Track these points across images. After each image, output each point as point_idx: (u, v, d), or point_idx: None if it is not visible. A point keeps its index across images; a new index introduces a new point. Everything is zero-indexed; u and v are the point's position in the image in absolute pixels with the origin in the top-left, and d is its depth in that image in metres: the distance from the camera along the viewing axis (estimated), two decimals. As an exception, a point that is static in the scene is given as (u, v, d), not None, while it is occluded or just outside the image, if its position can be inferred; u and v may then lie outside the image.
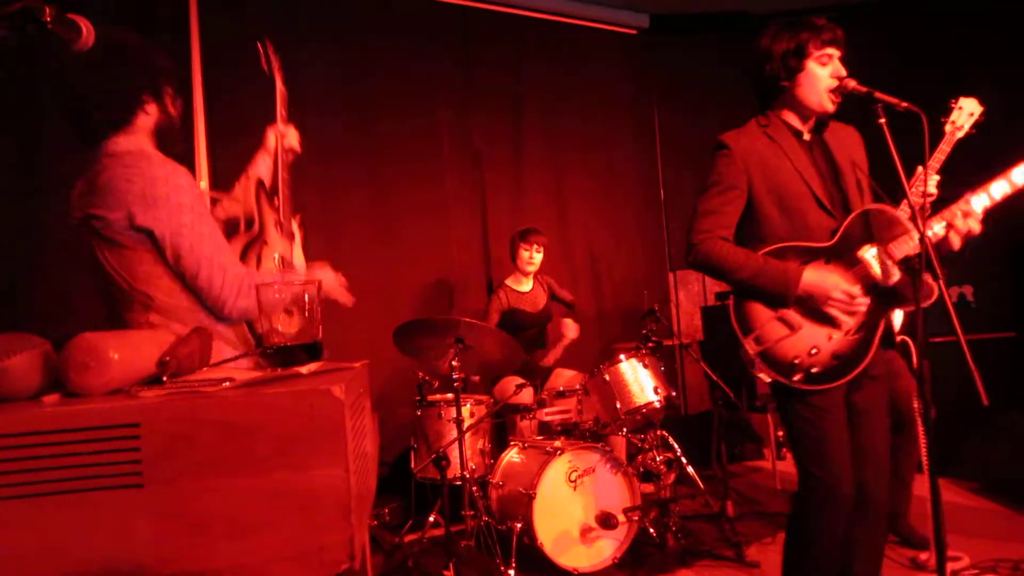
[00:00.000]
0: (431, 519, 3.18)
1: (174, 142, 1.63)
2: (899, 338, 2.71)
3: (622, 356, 3.06)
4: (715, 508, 3.34)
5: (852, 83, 1.96)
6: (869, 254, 1.92)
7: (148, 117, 1.57)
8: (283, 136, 2.01)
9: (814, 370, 1.88)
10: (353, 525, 0.94)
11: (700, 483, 3.46)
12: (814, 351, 1.89)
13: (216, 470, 0.92)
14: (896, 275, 1.91)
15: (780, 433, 4.22)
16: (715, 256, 1.94)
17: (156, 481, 0.91)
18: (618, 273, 4.85)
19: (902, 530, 2.83)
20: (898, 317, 2.74)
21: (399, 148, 4.12)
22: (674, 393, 3.06)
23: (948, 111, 2.42)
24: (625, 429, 3.19)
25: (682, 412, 4.32)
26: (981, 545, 2.75)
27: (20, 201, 3.06)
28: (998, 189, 2.01)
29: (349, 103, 4.02)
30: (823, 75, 1.94)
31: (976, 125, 2.39)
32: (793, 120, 2.03)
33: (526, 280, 3.91)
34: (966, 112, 2.40)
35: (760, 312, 1.93)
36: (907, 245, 1.90)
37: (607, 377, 3.03)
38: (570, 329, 3.82)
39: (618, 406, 2.98)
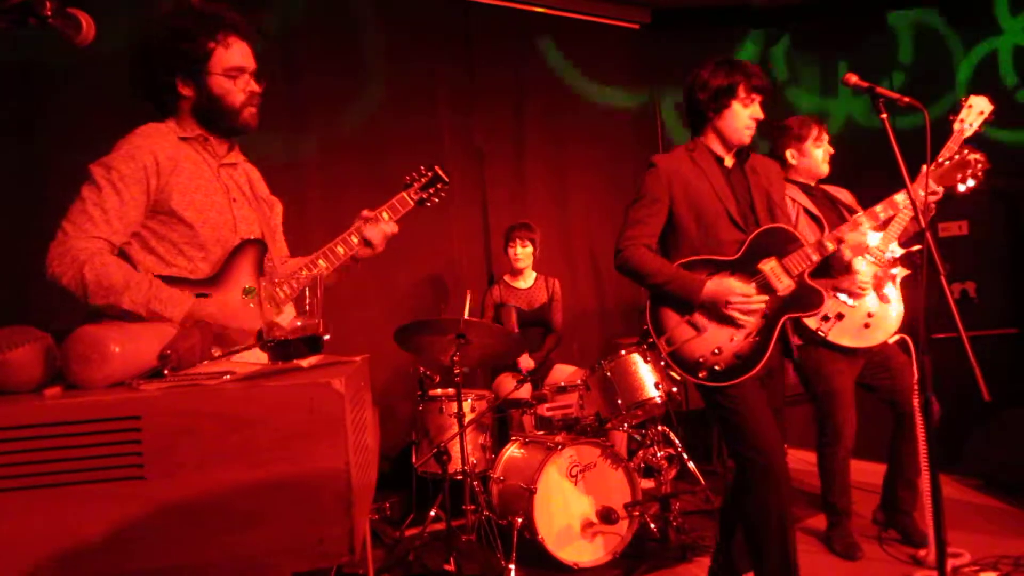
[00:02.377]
0: (432, 513, 3.19)
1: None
2: (898, 336, 2.72)
3: (623, 351, 3.06)
4: (716, 503, 3.34)
5: (854, 78, 1.98)
6: (767, 266, 2.16)
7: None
8: None
9: (717, 368, 2.12)
10: (354, 517, 0.95)
11: (701, 478, 3.46)
12: (717, 351, 2.13)
13: (217, 462, 0.93)
14: (788, 285, 2.15)
15: (781, 429, 4.22)
16: (636, 262, 2.19)
17: (157, 473, 0.92)
18: (618, 268, 4.84)
19: (907, 527, 2.83)
20: (896, 312, 2.74)
21: (400, 143, 4.12)
22: (675, 388, 3.05)
23: (958, 109, 2.42)
24: (626, 424, 3.19)
25: (683, 407, 4.31)
26: (982, 541, 2.75)
27: (19, 195, 3.06)
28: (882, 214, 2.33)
29: (350, 99, 4.02)
30: (743, 115, 2.20)
31: (985, 123, 2.40)
32: (716, 147, 2.28)
33: (524, 276, 3.91)
34: (976, 110, 2.41)
35: (671, 316, 2.19)
36: (802, 262, 2.16)
37: (608, 372, 3.03)
38: (523, 362, 3.72)
39: (619, 401, 2.98)
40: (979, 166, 2.33)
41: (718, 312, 2.13)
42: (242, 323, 1.54)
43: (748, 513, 2.11)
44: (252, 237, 1.75)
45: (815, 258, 2.17)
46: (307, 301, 1.14)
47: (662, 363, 2.18)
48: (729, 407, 2.10)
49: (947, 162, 2.37)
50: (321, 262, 1.84)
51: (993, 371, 1.81)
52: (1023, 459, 3.36)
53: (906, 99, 1.92)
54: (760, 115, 2.22)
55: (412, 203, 2.04)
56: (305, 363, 1.07)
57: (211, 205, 1.67)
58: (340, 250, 1.88)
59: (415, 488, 3.39)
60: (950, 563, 2.40)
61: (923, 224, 1.88)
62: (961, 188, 2.36)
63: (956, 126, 2.42)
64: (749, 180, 2.28)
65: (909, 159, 1.95)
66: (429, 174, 2.12)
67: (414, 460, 3.30)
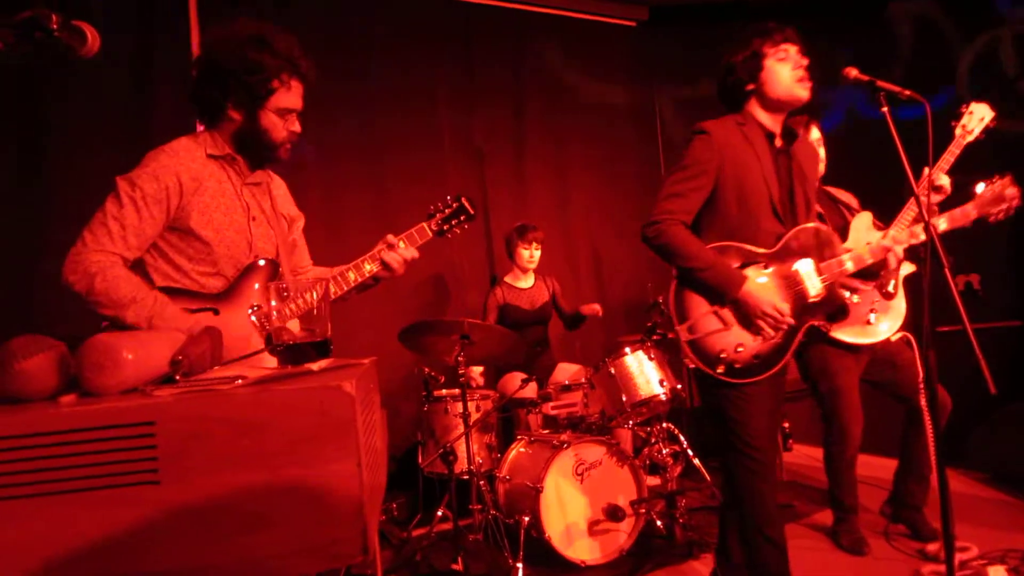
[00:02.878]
0: (439, 513, 3.20)
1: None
2: (900, 333, 2.73)
3: (627, 349, 3.07)
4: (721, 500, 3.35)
5: (854, 71, 1.97)
6: (803, 267, 2.06)
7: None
8: None
9: (736, 365, 2.04)
10: (365, 518, 0.96)
11: (706, 475, 3.47)
12: (739, 348, 2.04)
13: (230, 466, 0.94)
14: (819, 292, 2.06)
15: (786, 425, 4.22)
16: (672, 239, 2.03)
17: (172, 478, 0.93)
18: (621, 266, 4.85)
19: (915, 522, 2.84)
20: (898, 309, 2.75)
21: (401, 144, 4.13)
22: (679, 385, 3.06)
23: (958, 115, 2.41)
24: (631, 422, 3.20)
25: (688, 404, 4.32)
26: (989, 535, 2.75)
27: (24, 203, 3.08)
28: (943, 224, 2.26)
29: (350, 100, 4.03)
30: (783, 68, 2.04)
31: (986, 130, 2.39)
32: (765, 119, 2.11)
33: (525, 277, 3.93)
34: (976, 116, 2.39)
35: (698, 304, 2.07)
36: (834, 268, 2.07)
37: (612, 370, 3.04)
38: (591, 308, 3.86)
39: (624, 399, 2.99)
40: (1015, 202, 2.29)
41: (747, 313, 2.02)
42: (245, 344, 1.61)
43: (741, 507, 2.08)
44: (266, 257, 1.80)
45: (850, 267, 2.07)
46: (315, 306, 1.15)
47: (681, 354, 2.07)
48: (737, 402, 2.04)
49: (985, 191, 2.31)
50: (331, 287, 1.89)
51: (998, 364, 1.80)
52: (1029, 451, 3.37)
53: (907, 92, 1.92)
54: (803, 61, 2.05)
55: (430, 234, 2.05)
56: (315, 366, 1.08)
57: (230, 224, 1.73)
58: (351, 276, 1.90)
59: (422, 488, 3.40)
60: (957, 557, 2.41)
61: (926, 218, 1.89)
62: (992, 220, 2.32)
63: (957, 131, 2.40)
64: (794, 167, 2.13)
65: (910, 151, 1.95)
66: (454, 205, 2.10)
67: (420, 460, 3.31)
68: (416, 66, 4.22)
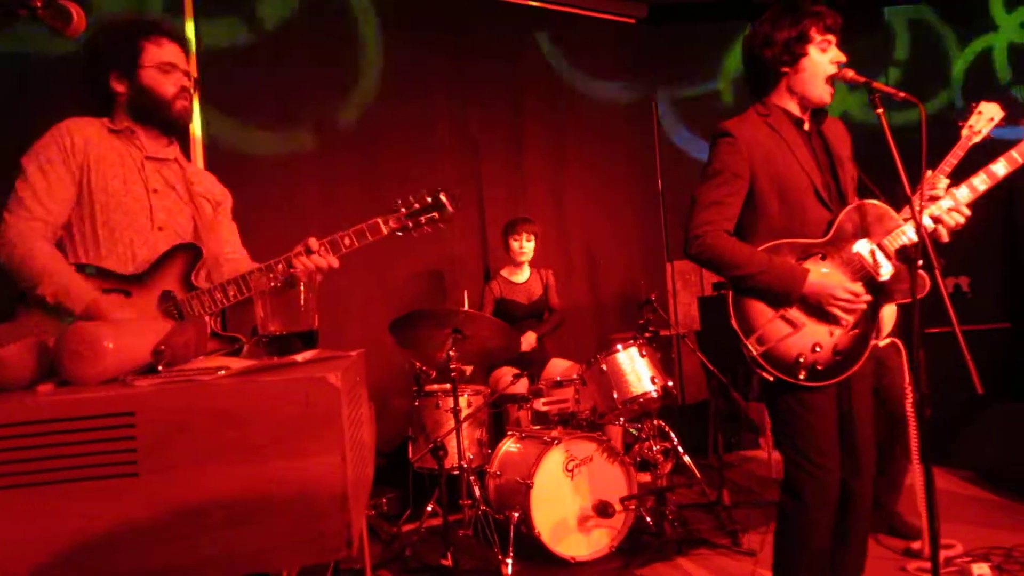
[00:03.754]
0: (429, 509, 3.19)
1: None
2: (888, 340, 2.72)
3: (619, 346, 3.06)
4: (711, 497, 3.35)
5: (850, 73, 1.96)
6: (864, 248, 1.92)
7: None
8: None
9: (818, 367, 1.88)
10: (350, 512, 0.94)
11: (697, 472, 3.47)
12: (817, 348, 1.89)
13: (212, 458, 0.92)
14: (890, 270, 1.92)
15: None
16: (719, 250, 1.89)
17: (152, 470, 0.91)
18: (615, 263, 4.85)
19: (895, 524, 2.87)
20: (887, 315, 2.74)
21: (396, 137, 4.11)
22: (671, 383, 3.06)
23: (967, 114, 2.35)
24: (622, 419, 3.20)
25: (679, 402, 4.33)
26: (974, 533, 2.77)
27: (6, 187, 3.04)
28: (980, 182, 2.00)
29: (345, 91, 4.00)
30: (824, 61, 1.92)
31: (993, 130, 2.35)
32: (792, 108, 2.00)
33: (520, 270, 3.92)
34: (985, 116, 2.33)
35: (761, 311, 1.91)
36: (900, 239, 1.92)
37: (604, 367, 3.03)
38: (524, 342, 3.73)
39: (615, 396, 2.98)
40: None
41: (817, 306, 1.88)
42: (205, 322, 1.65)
43: (792, 532, 1.94)
44: (190, 243, 1.80)
45: (915, 237, 1.90)
46: (301, 296, 1.14)
47: (757, 367, 1.90)
48: (797, 410, 1.90)
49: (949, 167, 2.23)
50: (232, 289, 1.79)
51: (985, 365, 1.80)
52: (1014, 452, 3.39)
53: (902, 94, 1.91)
54: (842, 57, 1.94)
55: (385, 232, 1.83)
56: (300, 358, 1.06)
57: (126, 192, 1.75)
58: (252, 280, 1.77)
59: (411, 483, 3.39)
60: (943, 554, 2.42)
61: (918, 219, 1.88)
62: (977, 139, 2.26)
63: (964, 132, 2.33)
64: (831, 147, 2.01)
65: (905, 154, 1.95)
66: (427, 200, 1.87)
67: (410, 455, 3.30)
68: (412, 58, 4.19)
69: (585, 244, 4.79)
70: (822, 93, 1.95)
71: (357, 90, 4.04)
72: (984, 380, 1.81)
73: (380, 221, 1.85)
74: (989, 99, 2.32)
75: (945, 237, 1.97)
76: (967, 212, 1.96)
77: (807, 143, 1.98)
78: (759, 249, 1.90)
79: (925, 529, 2.59)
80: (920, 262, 1.96)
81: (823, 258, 1.92)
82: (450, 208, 1.86)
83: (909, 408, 2.56)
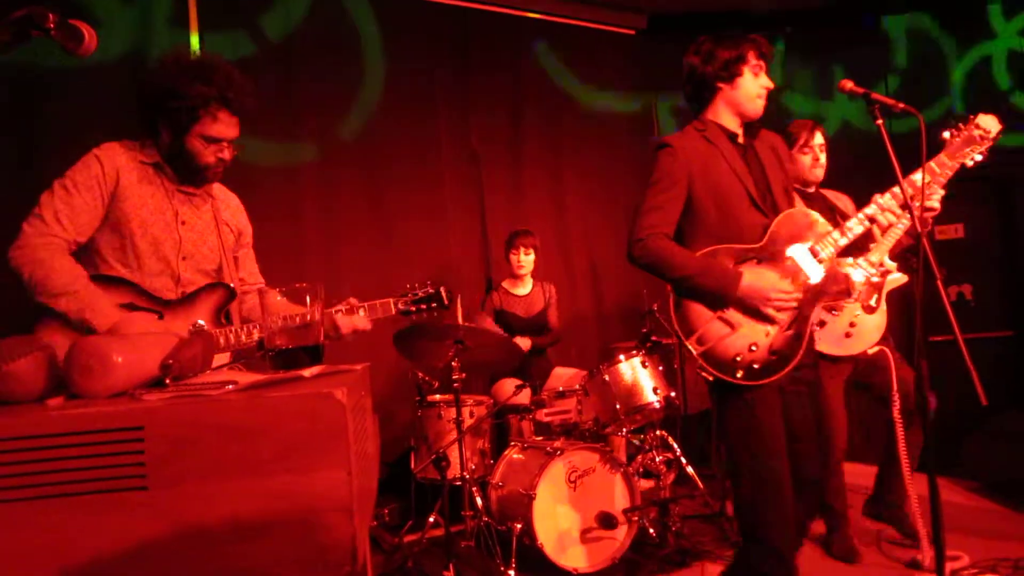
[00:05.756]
0: (431, 519, 3.18)
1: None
2: (877, 348, 2.73)
3: (621, 356, 3.06)
4: (715, 508, 3.34)
5: (850, 84, 1.99)
6: (797, 252, 2.05)
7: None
8: None
9: (756, 366, 1.98)
10: (355, 527, 0.95)
11: (699, 483, 3.46)
12: (753, 347, 1.99)
13: (219, 473, 0.93)
14: (820, 273, 2.05)
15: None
16: (659, 253, 2.01)
17: (160, 484, 0.92)
18: (617, 273, 4.85)
19: (898, 519, 2.88)
20: (877, 324, 2.75)
21: (398, 148, 4.13)
22: (673, 393, 3.06)
23: (964, 126, 2.33)
24: (625, 429, 3.19)
25: (681, 412, 4.32)
26: (980, 544, 2.76)
27: (18, 200, 3.05)
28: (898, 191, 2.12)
29: (347, 104, 4.03)
30: (755, 84, 2.11)
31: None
32: (727, 121, 2.15)
33: (521, 283, 3.92)
34: (981, 131, 2.26)
35: (700, 312, 2.02)
36: (830, 246, 2.06)
37: (606, 377, 3.03)
38: (521, 341, 3.74)
39: (617, 406, 2.98)
40: (989, 136, 2.20)
41: (753, 307, 1.99)
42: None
43: (748, 519, 2.04)
44: (226, 283, 1.87)
45: (842, 242, 2.06)
46: (308, 311, 1.15)
47: (698, 367, 2.02)
48: (743, 410, 1.99)
49: (953, 137, 2.22)
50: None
51: (989, 374, 1.81)
52: (1020, 462, 3.38)
53: (901, 105, 1.93)
54: (770, 84, 2.13)
55: (394, 311, 2.04)
56: (307, 373, 1.07)
57: (156, 221, 1.79)
58: (256, 335, 1.87)
59: (414, 494, 3.38)
60: (949, 566, 2.41)
61: (919, 228, 1.90)
62: (969, 163, 2.22)
63: (956, 140, 2.28)
64: (762, 158, 2.16)
65: (905, 162, 1.96)
66: (430, 290, 2.11)
67: (413, 466, 3.29)
68: (413, 71, 4.21)
69: (587, 254, 4.80)
70: (755, 107, 2.12)
71: (359, 102, 4.07)
72: (988, 389, 1.82)
73: (391, 301, 2.05)
74: (987, 111, 2.30)
75: (878, 237, 2.23)
76: (898, 214, 2.13)
77: (742, 155, 2.13)
78: (697, 254, 2.02)
79: (924, 536, 2.58)
80: (893, 267, 2.05)
81: (759, 262, 2.03)
82: (446, 303, 2.12)
83: (896, 415, 2.58)
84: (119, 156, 1.78)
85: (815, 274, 2.03)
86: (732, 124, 2.15)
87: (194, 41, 3.56)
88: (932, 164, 2.19)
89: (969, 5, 4.83)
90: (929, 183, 2.13)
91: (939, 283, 1.83)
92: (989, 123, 2.23)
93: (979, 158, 2.21)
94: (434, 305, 2.10)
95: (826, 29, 4.94)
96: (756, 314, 1.99)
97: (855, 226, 2.09)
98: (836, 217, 2.83)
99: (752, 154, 2.16)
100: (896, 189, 2.07)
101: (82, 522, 0.91)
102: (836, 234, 2.07)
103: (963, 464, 3.66)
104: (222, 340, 1.77)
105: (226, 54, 3.62)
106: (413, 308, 2.07)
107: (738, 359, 1.98)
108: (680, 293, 2.04)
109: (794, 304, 2.00)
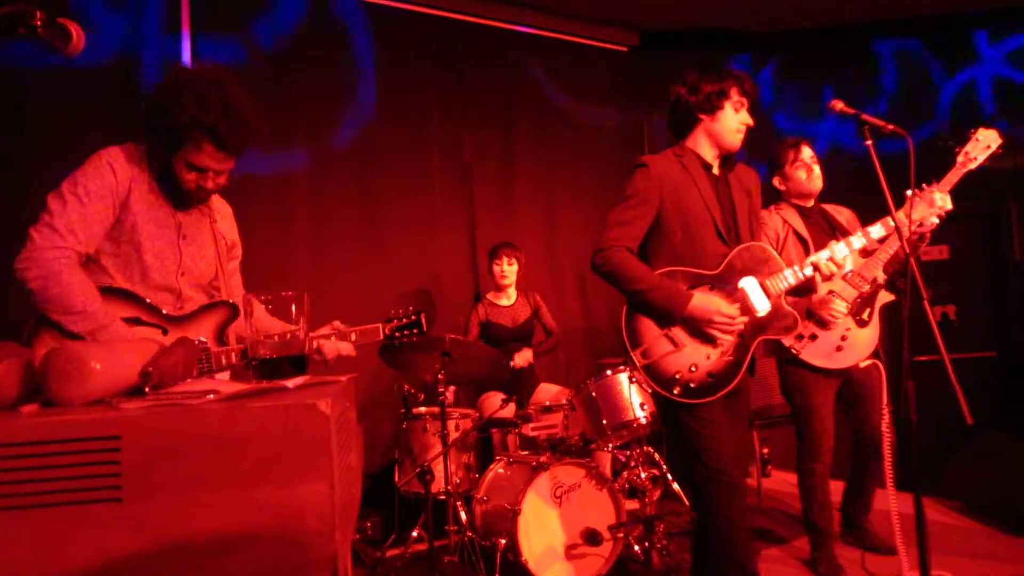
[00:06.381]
0: (414, 534, 3.14)
1: None
2: (869, 361, 2.76)
3: (609, 371, 3.05)
4: (700, 525, 3.32)
5: (840, 104, 2.02)
6: (748, 285, 2.15)
7: None
8: None
9: (692, 385, 2.10)
10: (337, 542, 0.93)
11: (685, 500, 3.44)
12: (693, 368, 2.10)
13: (198, 485, 0.90)
14: (767, 307, 2.15)
15: (765, 451, 4.23)
16: (617, 265, 2.12)
17: (136, 495, 0.89)
18: (606, 288, 4.78)
19: (867, 539, 2.97)
20: (869, 338, 2.78)
21: (389, 159, 4.12)
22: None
23: (964, 140, 2.39)
24: (611, 445, 3.17)
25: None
26: (965, 564, 2.76)
27: (9, 202, 3.01)
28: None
29: (339, 114, 4.02)
30: (735, 119, 2.20)
31: (992, 156, 2.36)
32: (705, 152, 2.24)
33: (506, 294, 3.92)
34: (982, 144, 2.36)
35: (649, 328, 2.14)
36: (779, 283, 2.17)
37: (593, 392, 3.01)
38: (519, 358, 3.76)
39: (604, 422, 2.96)
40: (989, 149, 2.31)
41: (698, 329, 2.11)
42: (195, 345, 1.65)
43: (708, 529, 2.14)
44: (232, 301, 1.86)
45: (791, 282, 2.18)
46: (293, 320, 1.13)
47: (637, 378, 2.21)
48: (693, 425, 2.11)
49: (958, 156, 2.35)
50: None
51: (973, 394, 1.82)
52: (1004, 482, 3.39)
53: (890, 127, 1.95)
54: (750, 121, 2.22)
55: (381, 336, 2.14)
56: (290, 383, 1.05)
57: (161, 235, 1.77)
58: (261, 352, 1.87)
59: (397, 508, 3.34)
60: (933, 586, 2.41)
61: (907, 249, 1.91)
62: (972, 165, 2.34)
63: (960, 158, 2.38)
64: (733, 191, 2.26)
65: (895, 183, 1.98)
66: (412, 317, 2.23)
67: (397, 479, 3.26)
68: (407, 81, 4.22)
69: (576, 268, 4.79)
70: (734, 140, 2.21)
71: (351, 112, 4.06)
72: (972, 409, 1.83)
73: (380, 326, 2.14)
74: (988, 126, 2.35)
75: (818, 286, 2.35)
76: (840, 264, 2.25)
77: (714, 185, 2.23)
78: (657, 272, 2.13)
79: (903, 554, 2.58)
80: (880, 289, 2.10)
81: (711, 288, 2.15)
82: (425, 329, 2.23)
83: (885, 428, 2.59)
84: (130, 165, 1.72)
85: (762, 307, 2.14)
86: (709, 155, 2.25)
87: (186, 46, 3.54)
88: (936, 192, 2.31)
89: (956, 30, 4.92)
90: (912, 194, 2.19)
91: (926, 304, 1.84)
92: (990, 137, 2.34)
93: (974, 167, 2.34)
94: (415, 332, 2.21)
95: (817, 50, 5.00)
96: (701, 336, 2.11)
97: (805, 270, 2.20)
98: (836, 233, 2.85)
99: (724, 186, 2.26)
100: (895, 212, 2.11)
101: (54, 534, 0.88)
102: (788, 273, 2.18)
103: (947, 483, 3.68)
104: (223, 359, 1.74)
105: (218, 60, 3.61)
106: (397, 334, 2.19)
107: (677, 376, 2.10)
108: (632, 306, 2.16)
109: (738, 329, 2.11)
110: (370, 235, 4.04)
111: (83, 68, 3.14)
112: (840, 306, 2.65)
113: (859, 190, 2.92)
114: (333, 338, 1.93)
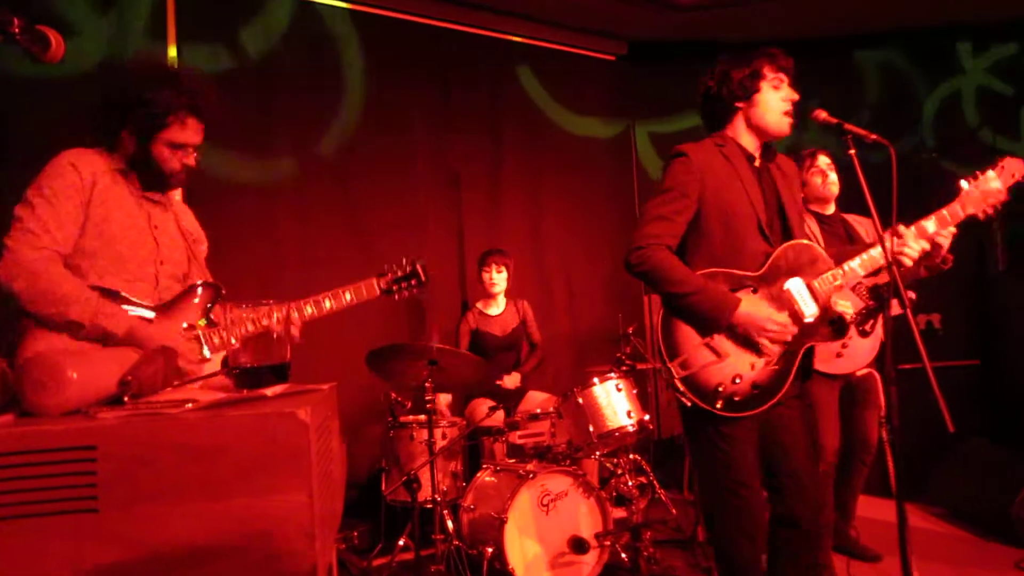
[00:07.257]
0: (401, 543, 3.12)
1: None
2: (866, 370, 2.78)
3: (596, 380, 3.05)
4: (687, 533, 3.33)
5: (823, 114, 2.01)
6: (794, 286, 1.96)
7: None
8: None
9: (736, 398, 1.90)
10: (316, 552, 0.92)
11: (672, 508, 3.45)
12: (737, 380, 1.90)
13: (176, 495, 0.90)
14: (815, 311, 1.95)
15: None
16: (658, 265, 1.91)
17: (112, 506, 0.88)
18: (593, 296, 4.87)
19: (850, 545, 2.98)
20: (869, 346, 2.80)
21: (376, 166, 4.11)
22: (647, 417, 3.05)
23: (992, 165, 2.15)
24: (598, 453, 3.17)
25: (655, 436, 4.31)
26: (945, 570, 2.78)
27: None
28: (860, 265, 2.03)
29: (326, 122, 4.01)
30: (776, 97, 2.01)
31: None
32: (747, 142, 2.06)
33: (494, 302, 3.92)
34: (1008, 172, 2.13)
35: (689, 336, 1.93)
36: (827, 285, 1.97)
37: (580, 400, 3.01)
38: (508, 380, 3.76)
39: (591, 430, 2.96)
40: (1001, 196, 2.07)
41: (743, 336, 1.91)
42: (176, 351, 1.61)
43: (723, 558, 2.00)
44: (209, 281, 1.85)
45: (840, 283, 1.97)
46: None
47: (670, 388, 1.94)
48: (721, 445, 1.93)
49: (971, 188, 2.08)
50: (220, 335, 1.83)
51: (956, 402, 1.83)
52: (985, 489, 3.42)
53: (872, 136, 1.96)
54: (794, 96, 2.02)
55: (378, 291, 2.07)
56: (270, 392, 1.04)
57: (132, 225, 1.77)
58: (250, 328, 1.81)
59: (384, 516, 3.31)
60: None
61: (888, 258, 1.92)
62: (983, 216, 2.10)
63: (965, 186, 2.13)
64: (778, 183, 2.07)
65: (879, 194, 1.99)
66: (408, 268, 2.14)
67: (383, 488, 3.23)
68: (394, 89, 4.22)
69: (564, 276, 4.80)
70: (780, 123, 2.02)
71: (338, 120, 4.05)
72: (955, 417, 1.84)
73: (374, 281, 2.06)
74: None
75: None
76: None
77: (757, 178, 2.03)
78: (697, 274, 1.93)
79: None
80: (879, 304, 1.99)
81: (754, 291, 1.95)
82: (424, 278, 2.14)
83: (885, 435, 2.61)
84: (94, 161, 1.73)
85: (810, 311, 1.95)
86: (751, 145, 2.06)
87: (172, 53, 3.53)
88: (945, 212, 2.09)
89: (939, 42, 4.98)
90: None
91: (908, 311, 1.85)
92: (1017, 166, 2.10)
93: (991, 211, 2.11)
94: (413, 283, 2.11)
95: (800, 62, 5.05)
96: (746, 343, 1.92)
97: (857, 268, 1.99)
98: (853, 243, 2.87)
99: (767, 178, 2.07)
100: (904, 227, 2.02)
101: (29, 545, 0.87)
102: (838, 273, 1.98)
103: (930, 490, 3.71)
104: (216, 339, 1.71)
105: (204, 67, 3.59)
106: (395, 287, 2.09)
107: (720, 389, 1.90)
108: (671, 311, 1.95)
109: (788, 338, 1.92)
110: (357, 243, 4.03)
111: (67, 75, 3.11)
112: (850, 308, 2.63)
113: (843, 200, 2.96)
114: (327, 301, 1.92)
